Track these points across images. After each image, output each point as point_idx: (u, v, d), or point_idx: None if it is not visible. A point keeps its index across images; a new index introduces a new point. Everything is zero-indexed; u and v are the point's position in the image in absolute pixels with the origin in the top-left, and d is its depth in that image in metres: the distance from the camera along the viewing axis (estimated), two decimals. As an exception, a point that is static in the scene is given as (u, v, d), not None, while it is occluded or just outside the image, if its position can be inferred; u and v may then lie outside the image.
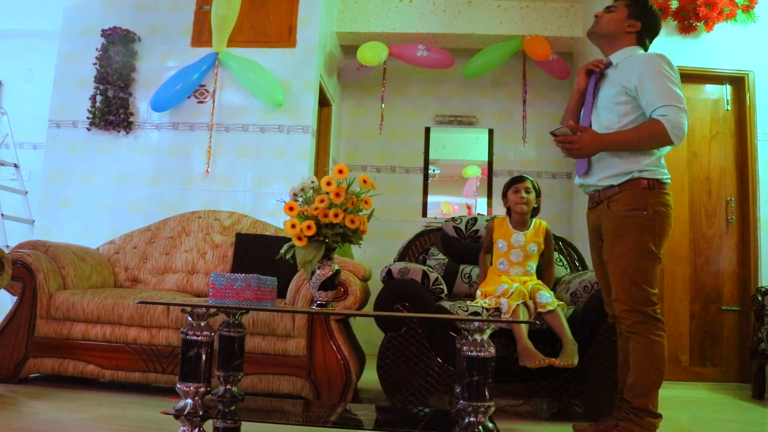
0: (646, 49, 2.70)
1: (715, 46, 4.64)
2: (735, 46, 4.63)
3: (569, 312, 3.18)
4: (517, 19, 5.60)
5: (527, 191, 3.46)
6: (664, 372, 2.47)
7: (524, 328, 3.01)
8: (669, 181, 2.58)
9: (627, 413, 2.47)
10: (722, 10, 4.51)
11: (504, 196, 3.59)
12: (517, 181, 3.51)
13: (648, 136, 2.46)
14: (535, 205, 3.50)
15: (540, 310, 3.07)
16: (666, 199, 2.54)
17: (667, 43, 4.58)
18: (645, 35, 2.69)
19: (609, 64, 2.70)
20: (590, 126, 2.68)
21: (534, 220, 3.52)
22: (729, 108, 4.73)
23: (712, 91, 4.77)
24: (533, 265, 3.46)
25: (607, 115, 2.62)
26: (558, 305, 3.07)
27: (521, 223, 3.49)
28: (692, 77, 4.67)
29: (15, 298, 3.51)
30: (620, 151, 2.53)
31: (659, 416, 2.46)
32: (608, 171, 2.57)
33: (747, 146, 4.61)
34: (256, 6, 4.97)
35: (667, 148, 2.55)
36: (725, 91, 4.74)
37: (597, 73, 2.73)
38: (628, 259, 2.49)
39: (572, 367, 2.88)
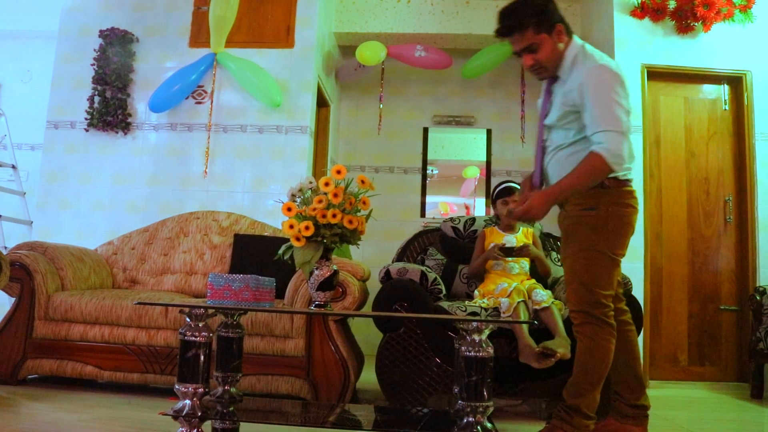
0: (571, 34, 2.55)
1: (712, 46, 4.64)
2: (733, 45, 4.64)
3: (566, 311, 3.18)
4: (515, 19, 5.58)
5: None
6: (604, 376, 2.44)
7: (525, 326, 3.02)
8: (630, 177, 2.49)
9: (560, 411, 2.48)
10: (720, 9, 4.52)
11: (493, 202, 3.67)
12: (505, 193, 3.59)
13: (590, 173, 2.36)
14: None
15: (535, 307, 3.09)
16: (624, 197, 2.46)
17: (665, 43, 4.59)
18: (565, 26, 2.51)
19: (554, 80, 2.59)
20: (544, 147, 2.62)
21: (521, 226, 3.63)
22: (727, 108, 4.73)
23: (710, 90, 4.77)
24: (526, 264, 3.54)
25: (559, 134, 2.55)
26: (553, 303, 3.09)
27: (510, 228, 3.62)
28: (690, 77, 4.69)
29: (13, 300, 3.50)
30: (570, 195, 2.46)
31: (592, 418, 2.45)
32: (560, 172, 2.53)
33: (745, 146, 4.62)
34: (254, 6, 4.96)
35: (636, 146, 2.51)
36: (723, 90, 4.75)
37: (546, 87, 2.64)
38: (576, 259, 2.47)
39: (565, 359, 2.86)
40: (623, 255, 2.50)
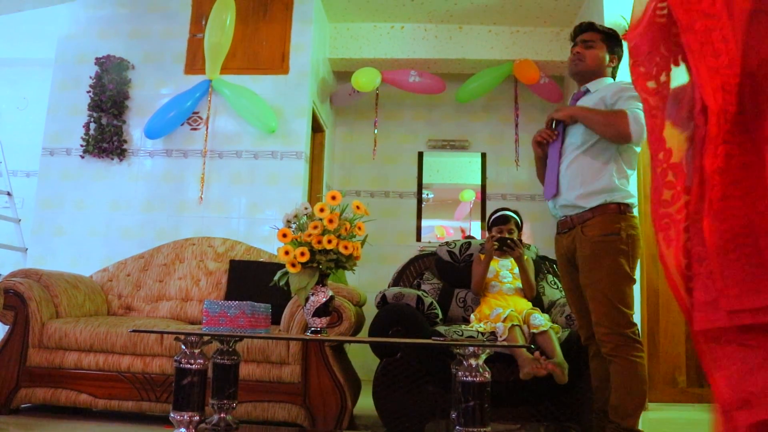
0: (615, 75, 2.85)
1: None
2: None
3: (564, 335, 3.18)
4: (508, 44, 5.65)
5: (510, 232, 3.59)
6: (646, 392, 2.53)
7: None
8: (636, 203, 2.68)
9: None
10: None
11: (488, 229, 3.71)
12: (500, 222, 3.62)
13: (612, 121, 2.55)
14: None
15: (533, 330, 3.08)
16: (635, 222, 2.61)
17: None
18: (616, 70, 2.83)
19: (584, 92, 2.81)
20: (560, 154, 2.76)
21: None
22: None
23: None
24: (520, 284, 3.57)
25: (579, 130, 2.68)
26: (551, 327, 3.09)
27: (501, 252, 3.60)
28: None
29: (7, 327, 3.48)
30: (586, 119, 2.63)
31: None
32: (579, 189, 2.62)
33: None
34: (248, 33, 5.01)
35: (634, 174, 2.65)
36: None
37: (573, 99, 2.85)
38: (607, 283, 2.53)
39: (561, 383, 2.87)
40: None
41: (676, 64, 1.32)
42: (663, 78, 1.34)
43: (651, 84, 1.36)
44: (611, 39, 2.79)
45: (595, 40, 2.77)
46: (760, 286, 1.10)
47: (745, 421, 1.07)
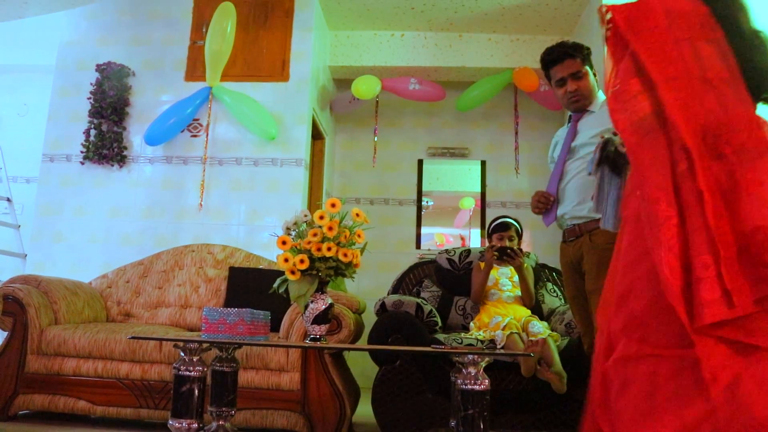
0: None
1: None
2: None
3: (564, 343, 3.18)
4: (507, 52, 5.67)
5: (510, 239, 3.60)
6: None
7: (521, 346, 3.04)
8: None
9: None
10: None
11: (489, 236, 3.72)
12: (501, 229, 3.62)
13: None
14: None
15: (532, 338, 3.08)
16: None
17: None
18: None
19: (585, 113, 2.81)
20: (563, 175, 2.76)
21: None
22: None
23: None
24: (520, 292, 3.57)
25: (588, 150, 2.64)
26: (549, 335, 3.08)
27: (501, 261, 3.60)
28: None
29: (5, 334, 3.47)
30: None
31: None
32: (589, 202, 2.60)
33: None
34: (249, 41, 5.02)
35: None
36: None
37: (574, 118, 2.85)
38: None
39: (560, 393, 2.87)
40: None
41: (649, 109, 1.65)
42: (641, 118, 1.66)
43: (630, 125, 1.66)
44: (587, 56, 2.78)
45: (579, 68, 2.75)
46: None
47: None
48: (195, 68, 5.01)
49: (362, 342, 3.70)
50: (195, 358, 2.15)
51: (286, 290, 2.37)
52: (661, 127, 1.63)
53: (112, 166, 4.93)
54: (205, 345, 2.22)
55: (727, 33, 1.64)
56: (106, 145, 4.88)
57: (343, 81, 5.97)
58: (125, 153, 4.94)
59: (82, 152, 4.91)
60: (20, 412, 3.45)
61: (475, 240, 6.00)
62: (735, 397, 1.43)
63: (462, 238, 6.10)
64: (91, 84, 4.99)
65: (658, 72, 1.61)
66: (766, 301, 1.48)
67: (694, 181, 1.52)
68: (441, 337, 3.23)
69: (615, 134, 2.20)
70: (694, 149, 1.53)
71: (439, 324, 3.52)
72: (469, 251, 3.94)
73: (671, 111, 1.58)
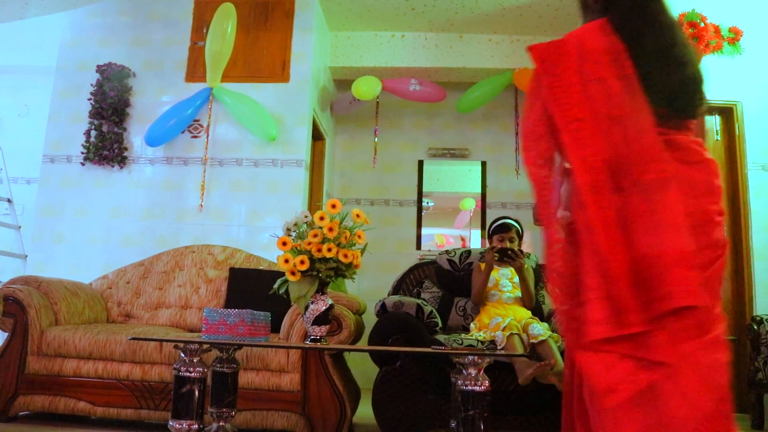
0: None
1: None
2: (723, 77, 4.69)
3: (563, 344, 3.17)
4: (508, 53, 5.67)
5: (511, 240, 3.61)
6: None
7: (520, 349, 3.03)
8: None
9: None
10: (709, 42, 4.60)
11: (489, 237, 3.72)
12: (501, 230, 3.63)
13: None
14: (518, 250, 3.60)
15: (532, 341, 3.08)
16: None
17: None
18: None
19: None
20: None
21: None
22: (719, 138, 4.78)
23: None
24: (520, 293, 3.57)
25: None
26: (550, 336, 3.08)
27: (502, 262, 3.60)
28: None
29: (6, 335, 3.47)
30: None
31: None
32: None
33: (737, 175, 4.65)
34: (249, 42, 5.02)
35: None
36: (715, 121, 4.80)
37: None
38: None
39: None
40: None
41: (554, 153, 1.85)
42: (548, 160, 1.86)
43: (535, 162, 1.85)
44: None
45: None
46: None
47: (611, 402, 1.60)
48: (195, 69, 5.01)
49: (363, 343, 3.70)
50: (195, 359, 2.14)
51: (287, 291, 2.37)
52: (562, 165, 1.84)
53: (113, 166, 4.93)
54: (205, 346, 2.22)
55: (634, 52, 1.76)
56: (106, 145, 4.88)
57: (343, 82, 5.97)
58: (126, 154, 4.94)
59: (82, 153, 4.91)
60: (21, 413, 3.45)
61: (475, 241, 6.00)
62: (657, 406, 1.59)
63: (462, 239, 6.10)
64: (92, 85, 4.98)
65: (561, 116, 1.76)
66: (664, 320, 1.63)
67: (585, 214, 1.70)
68: (441, 338, 3.23)
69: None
70: (584, 186, 1.70)
71: (440, 325, 3.52)
72: (469, 252, 3.93)
73: (568, 152, 1.75)
